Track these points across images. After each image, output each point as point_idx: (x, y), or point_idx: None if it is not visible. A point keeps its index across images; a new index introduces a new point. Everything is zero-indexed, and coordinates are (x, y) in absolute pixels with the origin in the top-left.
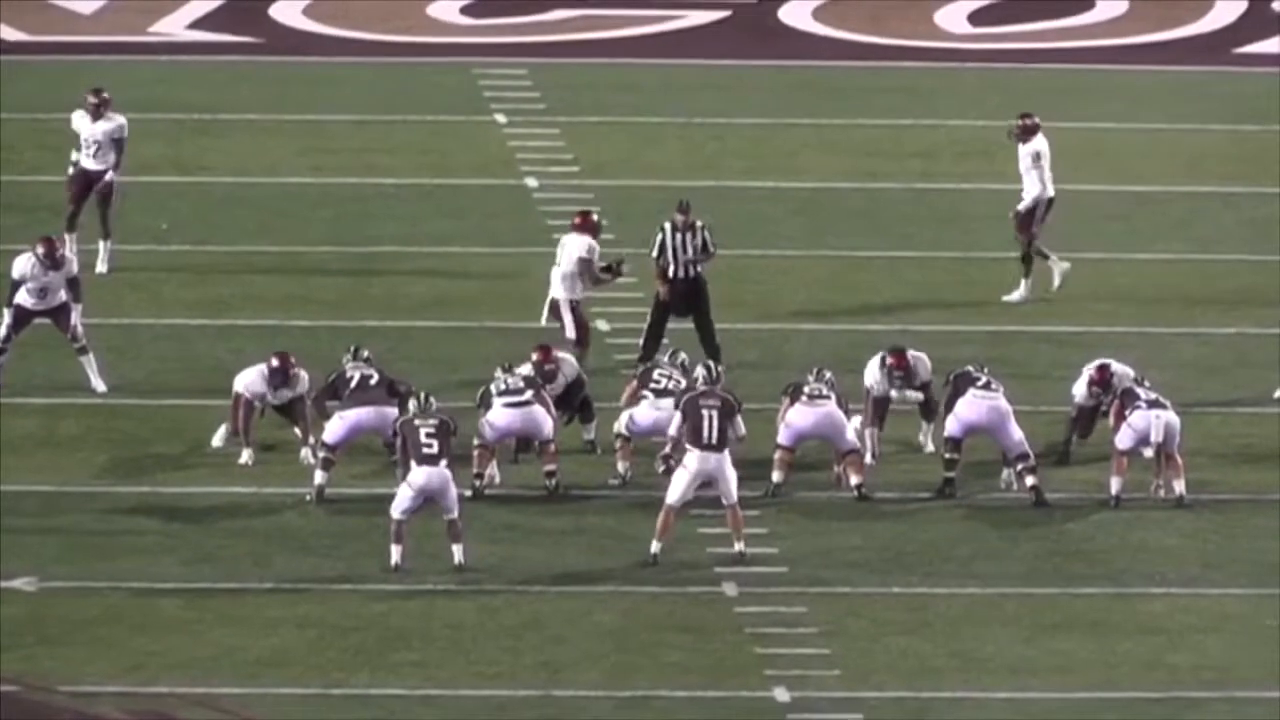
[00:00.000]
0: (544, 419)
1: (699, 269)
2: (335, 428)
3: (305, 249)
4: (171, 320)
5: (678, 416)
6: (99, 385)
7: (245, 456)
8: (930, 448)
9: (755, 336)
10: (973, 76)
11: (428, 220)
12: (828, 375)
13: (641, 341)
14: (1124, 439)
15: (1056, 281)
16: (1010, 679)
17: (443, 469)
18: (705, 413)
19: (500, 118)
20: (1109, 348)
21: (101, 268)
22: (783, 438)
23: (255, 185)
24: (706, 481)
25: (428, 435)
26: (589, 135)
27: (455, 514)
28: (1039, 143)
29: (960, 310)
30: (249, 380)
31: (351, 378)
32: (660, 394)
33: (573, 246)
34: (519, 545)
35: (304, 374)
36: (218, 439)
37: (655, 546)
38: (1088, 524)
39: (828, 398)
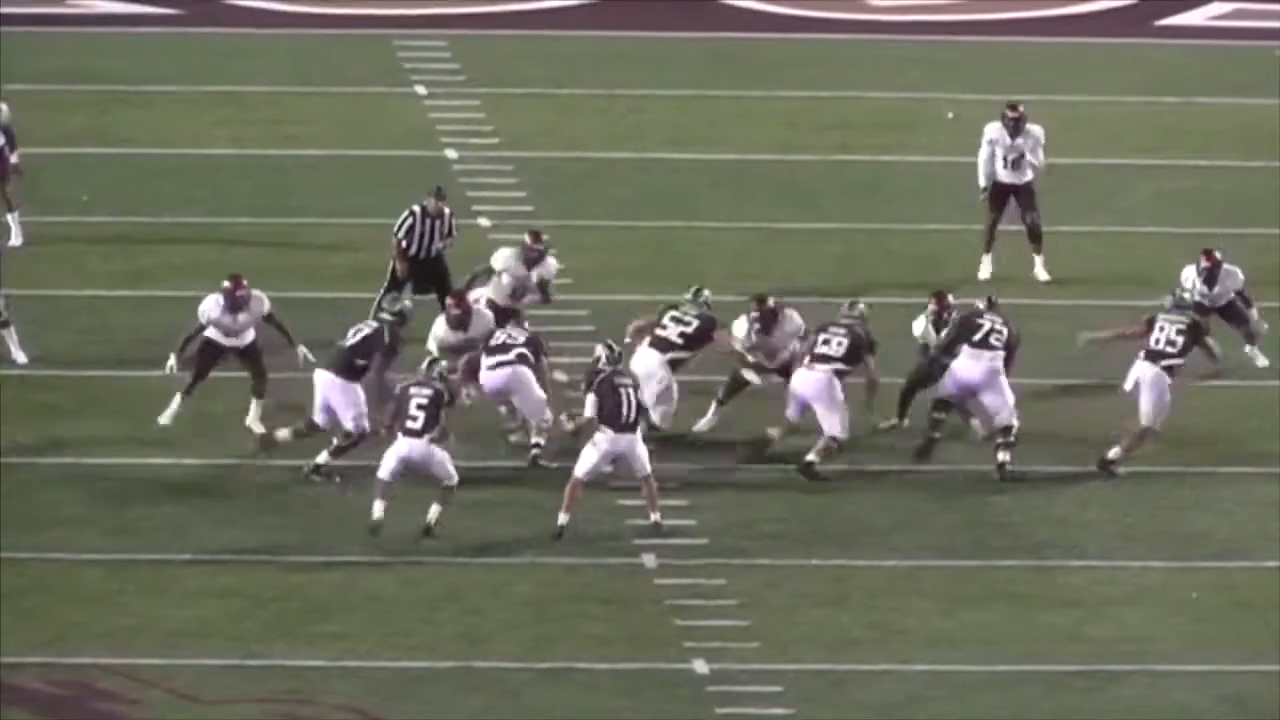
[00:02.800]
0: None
1: (440, 250)
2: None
3: (227, 220)
4: (93, 291)
5: (592, 398)
6: (20, 357)
7: (173, 404)
8: (883, 423)
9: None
10: (893, 49)
11: (348, 192)
12: (860, 307)
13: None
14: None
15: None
16: (929, 651)
17: (425, 443)
18: (623, 392)
19: (420, 89)
20: (1032, 319)
21: (15, 240)
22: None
23: (176, 156)
24: (615, 460)
25: (417, 406)
26: (509, 107)
27: (450, 482)
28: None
29: (879, 283)
30: (206, 307)
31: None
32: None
33: (501, 260)
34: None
35: (260, 296)
36: (166, 417)
37: (562, 519)
38: (1008, 496)
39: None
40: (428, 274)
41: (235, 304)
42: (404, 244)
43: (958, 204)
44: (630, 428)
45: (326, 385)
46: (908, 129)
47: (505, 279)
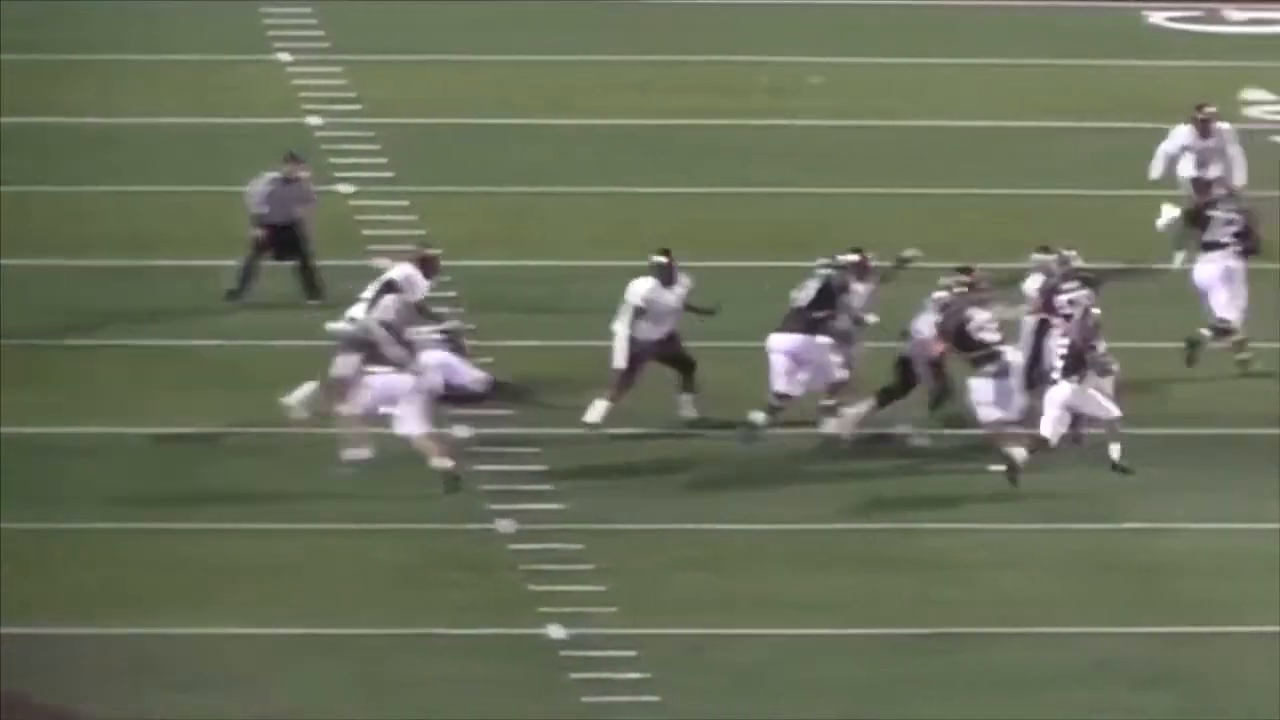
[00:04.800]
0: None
1: (299, 217)
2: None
3: (88, 189)
4: None
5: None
6: None
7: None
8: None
9: (544, 275)
10: (763, 13)
11: (210, 159)
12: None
13: (237, 280)
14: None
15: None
16: (788, 615)
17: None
18: None
19: (284, 56)
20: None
21: None
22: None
23: (39, 125)
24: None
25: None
26: (373, 74)
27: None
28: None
29: (747, 246)
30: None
31: None
32: None
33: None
34: (299, 480)
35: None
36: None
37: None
38: (874, 459)
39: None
40: (286, 241)
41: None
42: (261, 211)
43: (825, 168)
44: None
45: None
46: (775, 93)
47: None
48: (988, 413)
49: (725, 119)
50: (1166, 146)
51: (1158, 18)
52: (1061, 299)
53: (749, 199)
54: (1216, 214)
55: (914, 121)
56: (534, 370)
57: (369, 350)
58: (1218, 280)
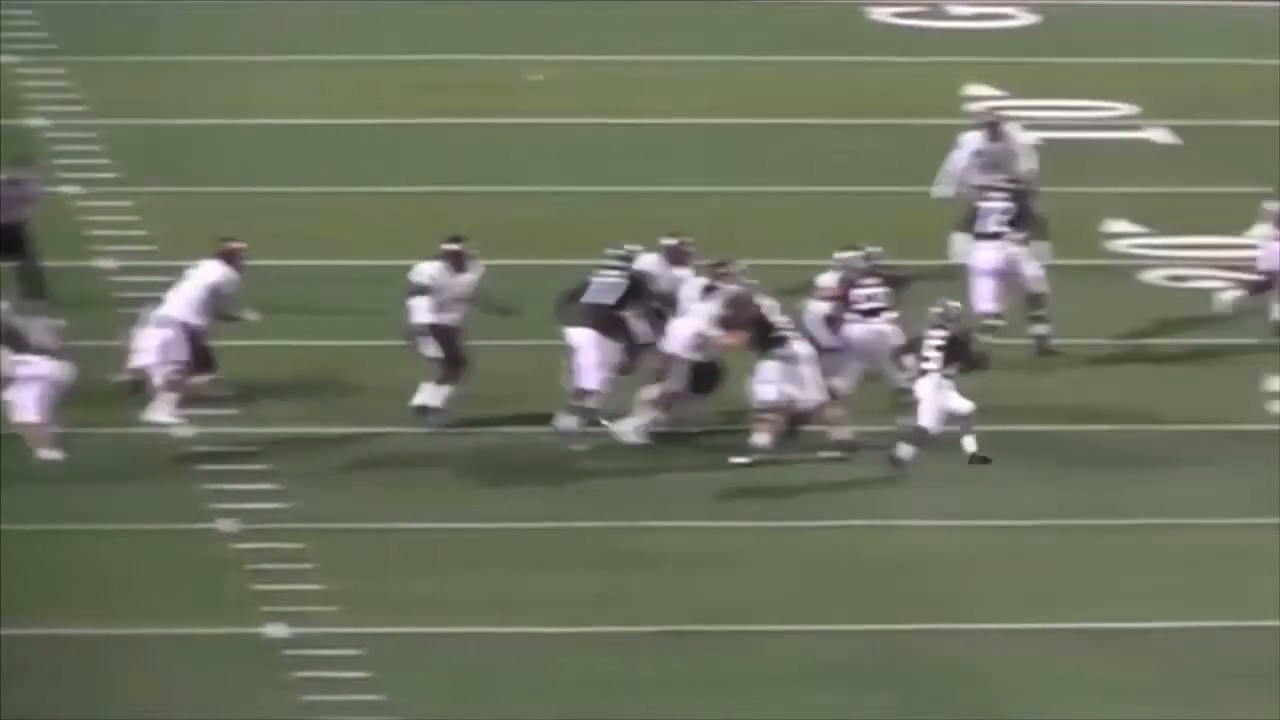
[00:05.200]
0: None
1: (23, 216)
2: None
3: None
4: None
5: None
6: None
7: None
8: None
9: (277, 275)
10: (478, 10)
11: None
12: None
13: None
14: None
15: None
16: (514, 614)
17: None
18: None
19: (9, 58)
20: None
21: None
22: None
23: None
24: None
25: None
26: (98, 75)
27: None
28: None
29: (492, 244)
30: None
31: None
32: None
33: (209, 273)
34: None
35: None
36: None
37: None
38: (602, 458)
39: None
40: (7, 242)
41: None
42: None
43: (548, 167)
44: None
45: None
46: (498, 91)
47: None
48: (765, 392)
49: (439, 118)
50: (957, 158)
51: (881, 14)
52: (860, 293)
53: (475, 198)
54: (988, 204)
55: (630, 119)
56: (261, 371)
57: (14, 341)
58: (989, 271)
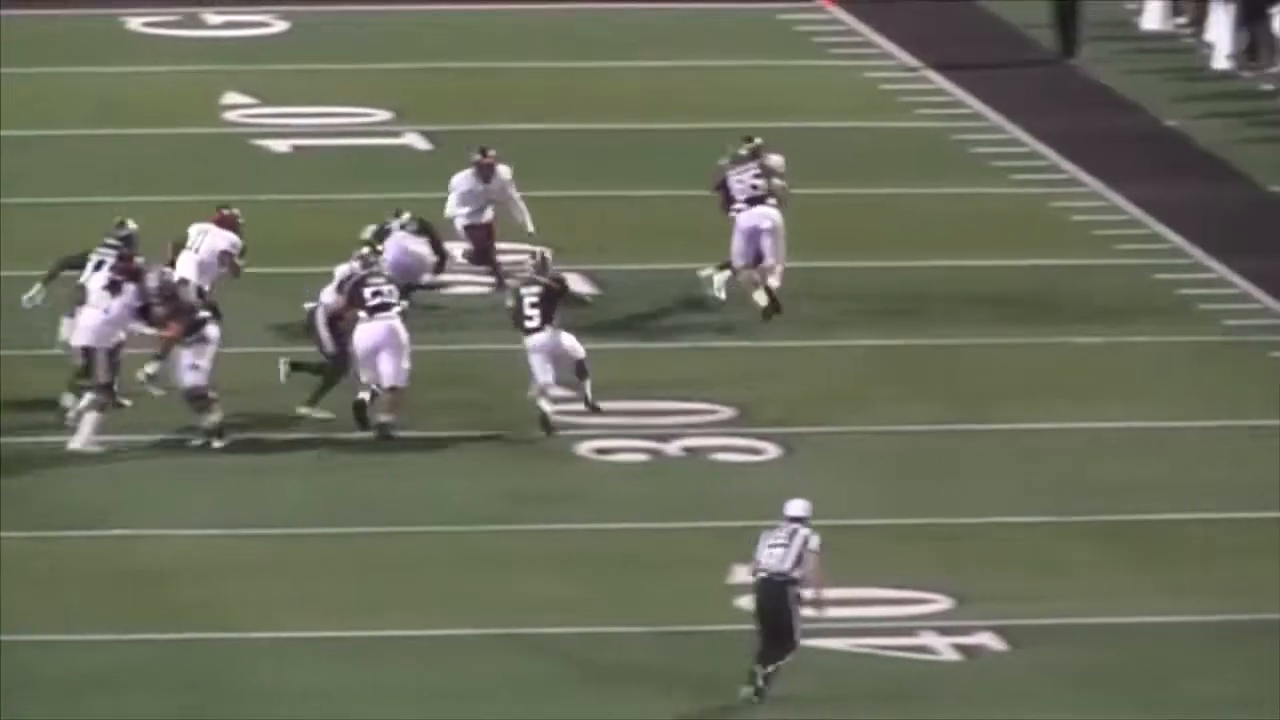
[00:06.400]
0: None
1: None
2: None
3: None
4: None
5: None
6: None
7: None
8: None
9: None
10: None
11: None
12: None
13: None
14: None
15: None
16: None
17: None
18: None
19: None
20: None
21: None
22: None
23: None
24: None
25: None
26: None
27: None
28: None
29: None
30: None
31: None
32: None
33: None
34: None
35: None
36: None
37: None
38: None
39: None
40: None
41: None
42: None
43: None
44: None
45: None
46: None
47: None
48: (194, 377)
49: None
50: (452, 202)
51: (136, 23)
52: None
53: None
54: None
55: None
56: None
57: None
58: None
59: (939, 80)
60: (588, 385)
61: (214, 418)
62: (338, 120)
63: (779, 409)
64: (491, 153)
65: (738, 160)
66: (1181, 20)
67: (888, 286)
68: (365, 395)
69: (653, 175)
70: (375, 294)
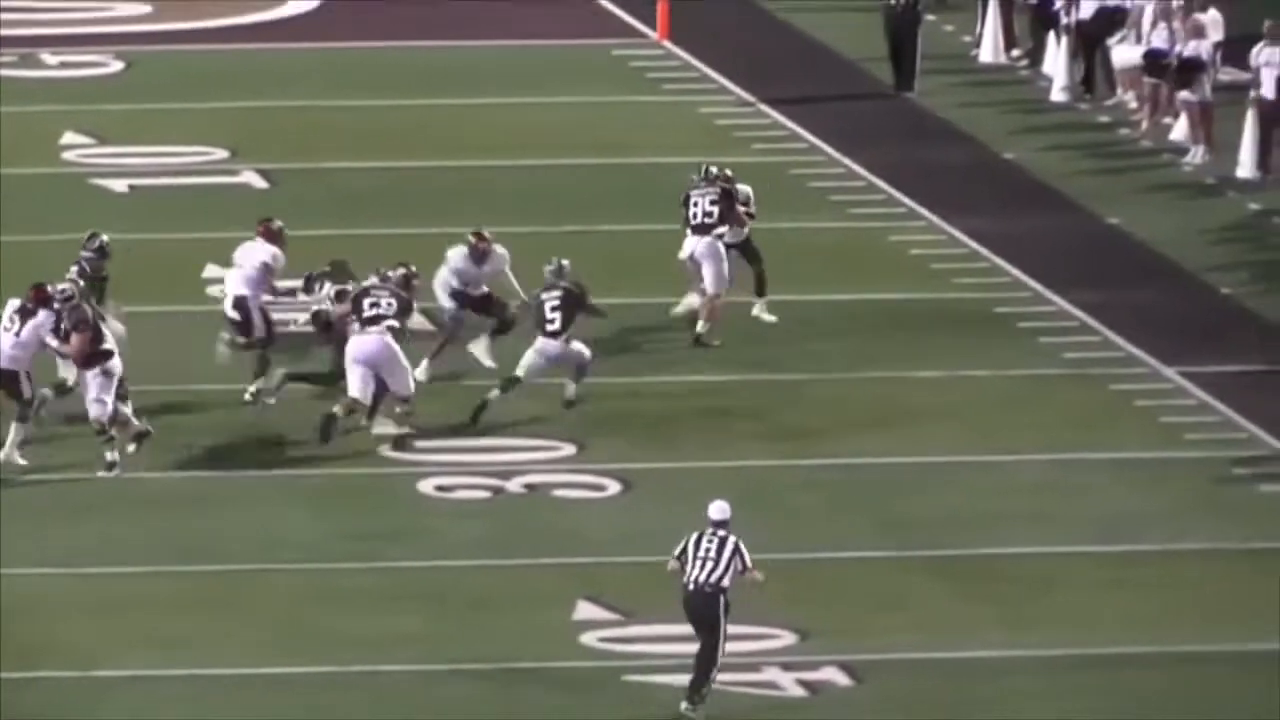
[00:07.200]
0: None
1: None
2: None
3: None
4: None
5: None
6: None
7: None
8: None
9: None
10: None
11: None
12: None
13: None
14: None
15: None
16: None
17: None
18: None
19: None
20: None
21: None
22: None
23: None
24: None
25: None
26: None
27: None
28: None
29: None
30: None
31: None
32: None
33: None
34: None
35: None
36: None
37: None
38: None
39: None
40: None
41: None
42: None
43: None
44: None
45: None
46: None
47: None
48: (99, 410)
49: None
50: (444, 273)
51: None
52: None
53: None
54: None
55: None
56: None
57: None
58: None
59: (775, 115)
60: (574, 386)
61: (112, 456)
62: (175, 159)
63: (619, 445)
64: (488, 235)
65: (706, 180)
66: (1018, 53)
67: (728, 321)
68: (339, 409)
69: (493, 212)
70: (373, 305)
